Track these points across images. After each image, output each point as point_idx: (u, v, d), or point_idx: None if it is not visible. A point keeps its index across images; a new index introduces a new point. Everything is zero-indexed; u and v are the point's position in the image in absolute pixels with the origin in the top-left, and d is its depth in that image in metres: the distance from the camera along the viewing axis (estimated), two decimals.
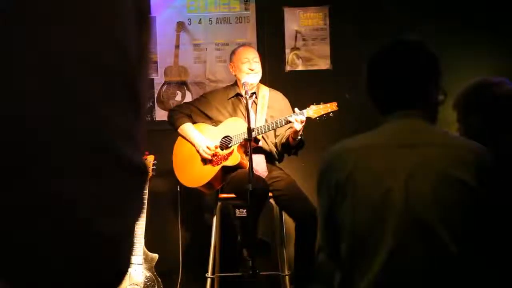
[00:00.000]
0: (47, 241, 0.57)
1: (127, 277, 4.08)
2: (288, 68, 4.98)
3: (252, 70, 4.15)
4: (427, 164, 1.81)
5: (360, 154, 1.88)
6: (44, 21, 0.57)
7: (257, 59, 4.22)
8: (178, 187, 4.48)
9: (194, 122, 4.25)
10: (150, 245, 4.25)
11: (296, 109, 3.93)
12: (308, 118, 3.90)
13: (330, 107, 3.96)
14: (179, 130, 4.23)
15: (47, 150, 0.57)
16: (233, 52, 4.32)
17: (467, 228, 1.77)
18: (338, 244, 1.89)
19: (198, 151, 4.14)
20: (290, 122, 3.90)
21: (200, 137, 4.17)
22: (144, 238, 4.17)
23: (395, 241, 1.76)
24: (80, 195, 0.58)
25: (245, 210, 3.66)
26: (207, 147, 4.09)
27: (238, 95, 4.26)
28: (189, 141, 4.20)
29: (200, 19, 4.98)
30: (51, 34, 0.57)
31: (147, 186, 4.13)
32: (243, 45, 4.55)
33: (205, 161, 4.15)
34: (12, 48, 0.56)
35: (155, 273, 4.18)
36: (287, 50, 4.99)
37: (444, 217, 1.76)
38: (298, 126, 3.85)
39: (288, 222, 4.23)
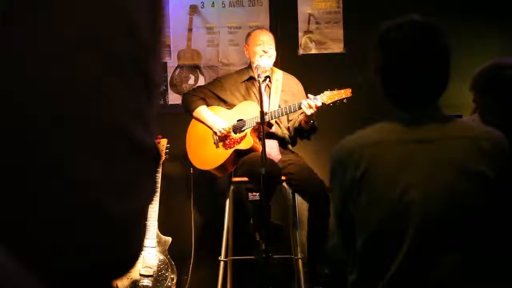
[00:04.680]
0: (59, 226, 0.57)
1: (140, 260, 4.11)
2: (301, 51, 4.96)
3: (265, 52, 4.14)
4: (444, 159, 1.76)
5: (375, 150, 1.82)
6: (50, 6, 0.57)
7: (272, 42, 4.20)
8: (191, 169, 4.49)
9: (208, 106, 4.26)
10: (163, 228, 4.27)
11: (309, 95, 3.91)
12: (322, 104, 3.88)
13: (344, 93, 3.94)
14: (194, 114, 4.24)
15: (57, 137, 0.57)
16: (248, 34, 4.32)
17: (487, 223, 1.75)
18: (352, 237, 1.86)
19: (214, 132, 4.15)
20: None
21: (215, 118, 4.17)
22: (158, 222, 4.19)
23: (414, 240, 1.72)
24: (92, 179, 0.58)
25: (258, 194, 3.66)
26: (223, 129, 4.10)
27: (252, 78, 4.25)
28: (204, 124, 4.21)
29: (213, 2, 4.97)
30: (60, 20, 0.57)
31: (160, 170, 4.15)
32: (259, 28, 4.53)
33: (218, 144, 4.16)
34: (13, 41, 0.56)
35: (168, 256, 4.21)
36: (300, 34, 4.96)
37: (464, 213, 1.73)
38: (310, 112, 3.84)
39: (301, 206, 4.24)
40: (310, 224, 3.97)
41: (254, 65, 4.12)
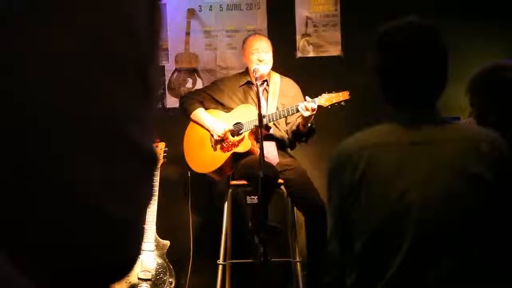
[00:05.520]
0: (59, 226, 0.57)
1: (138, 264, 4.10)
2: (298, 54, 4.96)
3: (261, 61, 4.12)
4: (443, 161, 1.76)
5: (373, 153, 1.81)
6: (50, 6, 0.57)
7: (268, 49, 4.18)
8: (188, 173, 4.48)
9: (206, 109, 4.26)
10: (161, 232, 4.27)
11: (307, 97, 3.92)
12: (319, 106, 3.89)
13: (342, 96, 3.95)
14: (191, 116, 4.24)
15: (57, 137, 0.57)
16: (244, 41, 4.32)
17: (486, 224, 1.75)
18: (350, 241, 1.85)
19: (212, 135, 4.15)
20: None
21: (213, 120, 4.17)
22: (156, 225, 4.19)
23: (413, 241, 1.72)
24: (92, 179, 0.58)
25: (256, 197, 3.66)
26: (221, 130, 4.10)
27: (249, 83, 4.25)
28: (202, 126, 4.21)
29: (211, 6, 4.97)
30: (60, 20, 0.58)
31: (157, 173, 4.15)
32: (255, 34, 4.51)
33: (215, 147, 4.16)
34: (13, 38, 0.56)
35: (166, 259, 4.20)
36: (297, 37, 4.96)
37: (463, 215, 1.73)
38: (307, 114, 3.84)
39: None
40: (308, 236, 3.98)
41: (252, 69, 4.12)
